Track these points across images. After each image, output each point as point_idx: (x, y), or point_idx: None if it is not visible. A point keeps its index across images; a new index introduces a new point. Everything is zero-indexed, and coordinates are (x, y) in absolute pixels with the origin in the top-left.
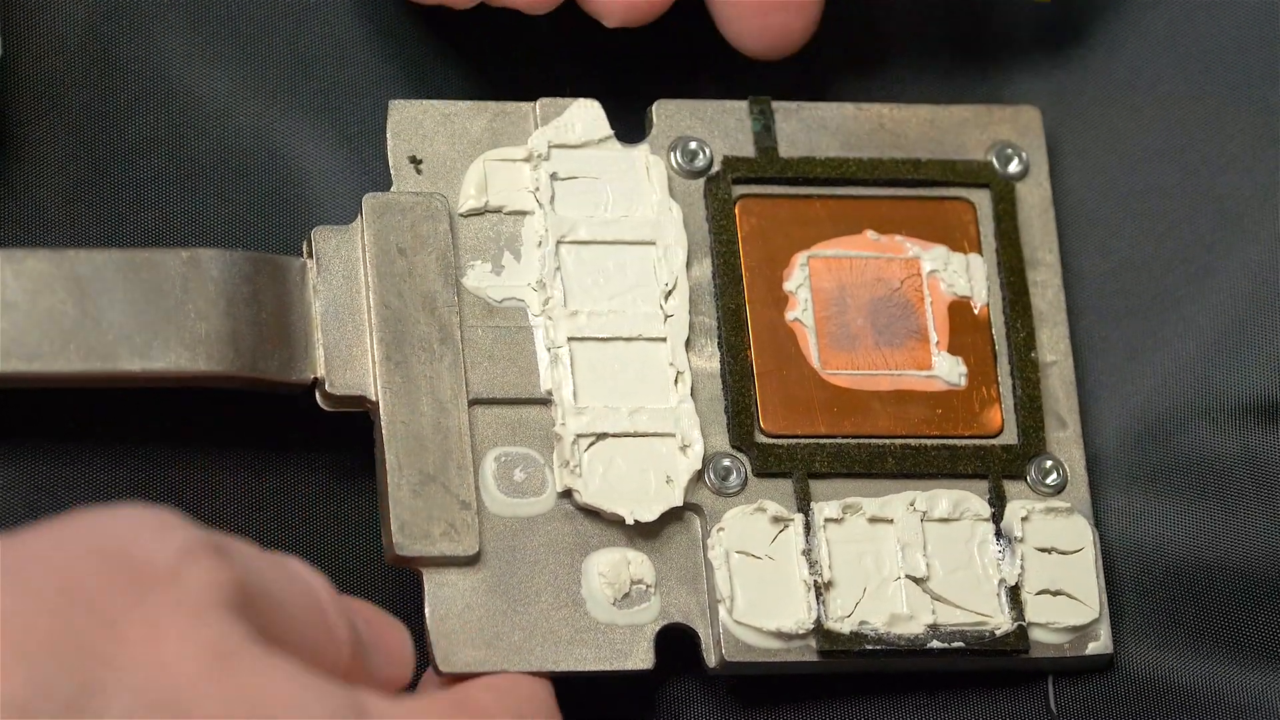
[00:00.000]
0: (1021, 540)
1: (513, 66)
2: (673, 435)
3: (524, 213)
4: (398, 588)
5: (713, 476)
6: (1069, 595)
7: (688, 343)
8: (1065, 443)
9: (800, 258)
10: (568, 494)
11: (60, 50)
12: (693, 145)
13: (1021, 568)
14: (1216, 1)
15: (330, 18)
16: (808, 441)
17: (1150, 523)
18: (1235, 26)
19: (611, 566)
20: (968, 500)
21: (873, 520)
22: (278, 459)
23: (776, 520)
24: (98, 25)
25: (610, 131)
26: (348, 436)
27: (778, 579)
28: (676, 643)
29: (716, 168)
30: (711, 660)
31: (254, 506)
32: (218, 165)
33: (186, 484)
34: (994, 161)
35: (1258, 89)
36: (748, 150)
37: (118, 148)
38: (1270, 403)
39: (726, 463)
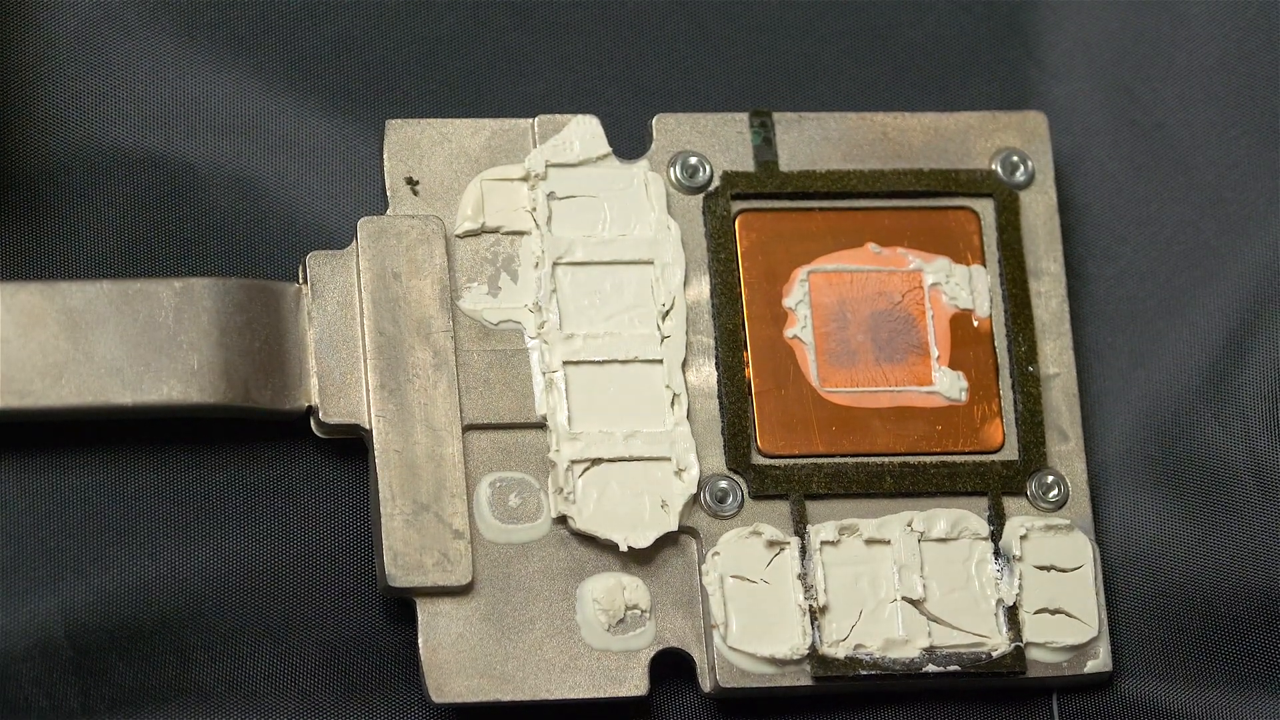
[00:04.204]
0: (1020, 559)
1: (512, 80)
2: (668, 459)
3: (521, 233)
4: (392, 615)
5: (709, 499)
6: (1068, 613)
7: (685, 363)
8: (1067, 456)
9: (800, 273)
10: (562, 520)
11: (51, 59)
12: (693, 160)
13: (1020, 587)
14: (1220, 6)
15: (325, 39)
16: (805, 462)
17: (1153, 534)
18: (1239, 32)
19: (606, 592)
20: (966, 519)
21: (869, 542)
22: (274, 482)
23: (772, 544)
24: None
25: (608, 149)
26: (345, 458)
27: (773, 603)
28: (672, 666)
29: (716, 183)
30: (706, 685)
31: (250, 530)
32: (211, 187)
33: (182, 505)
34: (998, 169)
35: (1261, 93)
36: (748, 164)
37: (108, 167)
38: (1276, 407)
39: (723, 485)
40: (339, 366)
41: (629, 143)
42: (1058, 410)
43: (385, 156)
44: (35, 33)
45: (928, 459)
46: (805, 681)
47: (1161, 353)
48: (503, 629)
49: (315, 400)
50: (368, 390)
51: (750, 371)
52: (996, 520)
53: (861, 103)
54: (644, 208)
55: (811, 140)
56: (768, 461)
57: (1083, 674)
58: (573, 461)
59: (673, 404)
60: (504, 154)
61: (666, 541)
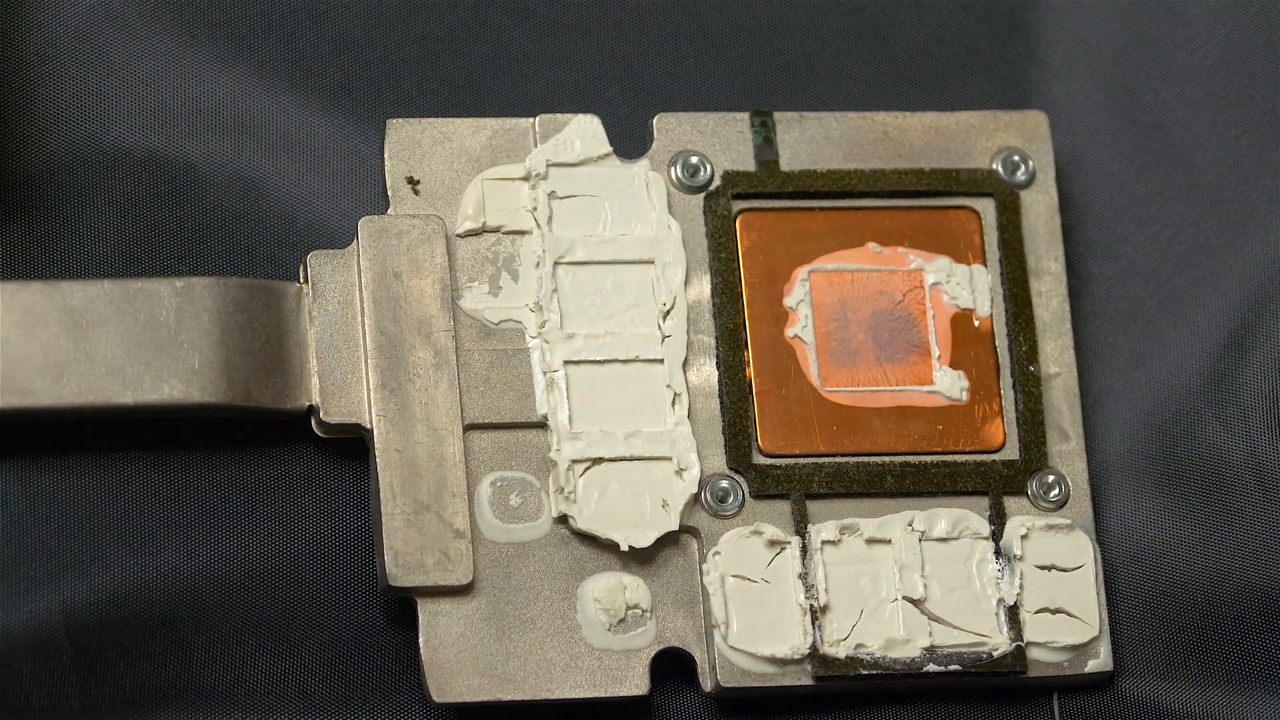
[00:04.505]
0: (1021, 558)
1: (513, 79)
2: (669, 459)
3: (522, 232)
4: (393, 615)
5: (710, 498)
6: (1069, 613)
7: (686, 362)
8: (1068, 456)
9: (801, 272)
10: (563, 519)
11: (52, 58)
12: (694, 160)
13: (1021, 586)
14: (1220, 5)
15: (326, 38)
16: (806, 461)
17: (1154, 533)
18: (1239, 31)
19: (607, 592)
20: (967, 519)
21: (870, 541)
22: (275, 481)
23: (773, 544)
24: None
25: (609, 149)
26: (346, 457)
27: (773, 603)
28: (673, 665)
29: (717, 183)
30: (707, 685)
31: (250, 530)
32: (212, 186)
33: (183, 504)
34: (999, 169)
35: (1262, 92)
36: (749, 163)
37: (109, 167)
38: (1277, 406)
39: (724, 484)
40: (340, 366)
41: (630, 142)
42: (1058, 410)
43: (386, 156)
44: (36, 32)
45: (929, 458)
46: (806, 681)
47: (1162, 352)
48: (504, 628)
49: (316, 400)
50: (369, 390)
51: (751, 371)
52: (997, 520)
53: (862, 102)
54: (645, 207)
55: (812, 140)
56: (769, 461)
57: (1083, 674)
58: (574, 461)
59: (673, 403)
60: (505, 153)
61: (667, 541)
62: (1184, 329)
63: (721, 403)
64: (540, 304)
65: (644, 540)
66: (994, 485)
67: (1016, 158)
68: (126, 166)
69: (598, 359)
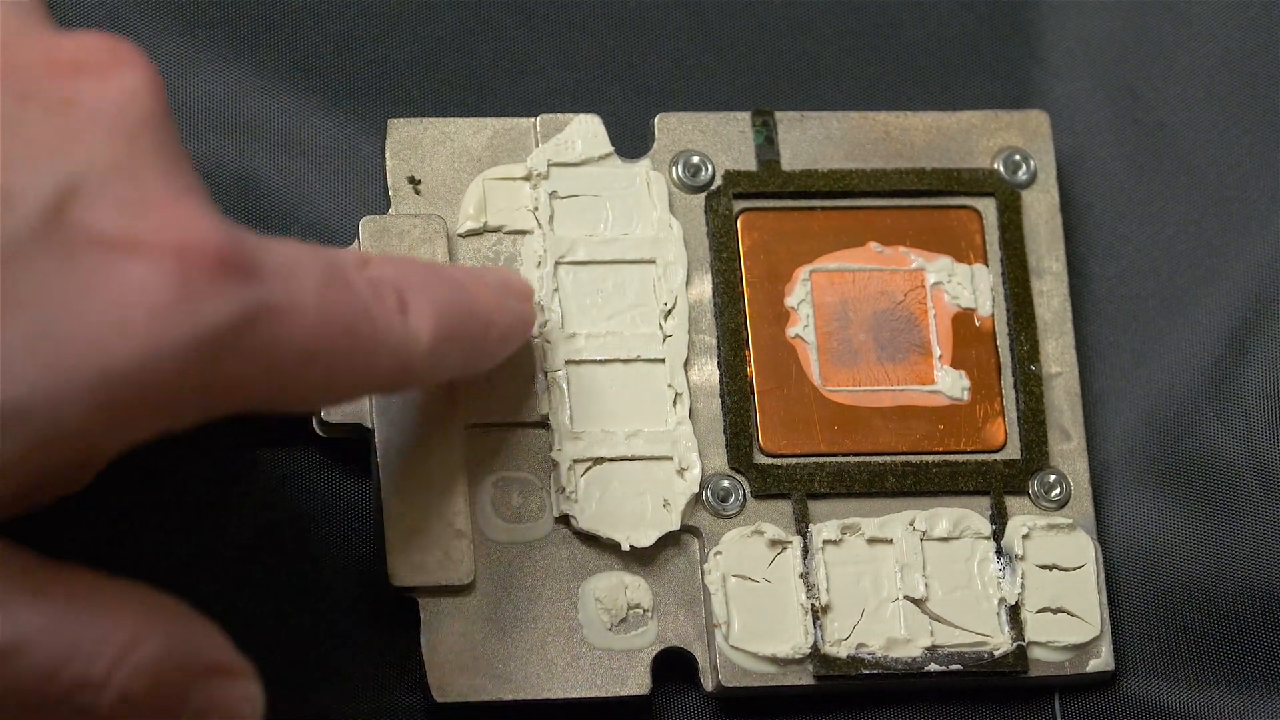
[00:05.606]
0: (1022, 558)
1: (514, 79)
2: (670, 459)
3: (523, 232)
4: (394, 615)
5: (711, 498)
6: (1070, 613)
7: (687, 362)
8: (1069, 455)
9: (802, 272)
10: (565, 519)
11: None
12: (695, 160)
13: (1022, 586)
14: (1222, 5)
15: (327, 37)
16: (807, 461)
17: (1156, 533)
18: (1240, 31)
19: (608, 591)
20: (968, 518)
21: (872, 541)
22: (276, 481)
23: (774, 543)
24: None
25: (610, 148)
26: (347, 457)
27: (775, 602)
28: (674, 665)
29: (718, 182)
30: (708, 684)
31: (251, 530)
32: (214, 186)
33: (183, 504)
34: (1000, 169)
35: (1263, 92)
36: (750, 163)
37: None
38: (1278, 406)
39: (725, 484)
40: None
41: (631, 142)
42: (1060, 409)
43: (387, 155)
44: None
45: (930, 458)
46: (807, 681)
47: (1164, 351)
48: (505, 628)
49: None
50: None
51: (752, 370)
52: (999, 519)
53: (864, 102)
54: (646, 207)
55: (814, 139)
56: (770, 461)
57: (1084, 673)
58: (575, 461)
59: (675, 403)
60: (506, 153)
61: (668, 541)
62: (1185, 328)
63: (723, 402)
64: (541, 304)
65: (645, 540)
66: (995, 485)
67: (1018, 157)
68: None
69: (599, 359)
